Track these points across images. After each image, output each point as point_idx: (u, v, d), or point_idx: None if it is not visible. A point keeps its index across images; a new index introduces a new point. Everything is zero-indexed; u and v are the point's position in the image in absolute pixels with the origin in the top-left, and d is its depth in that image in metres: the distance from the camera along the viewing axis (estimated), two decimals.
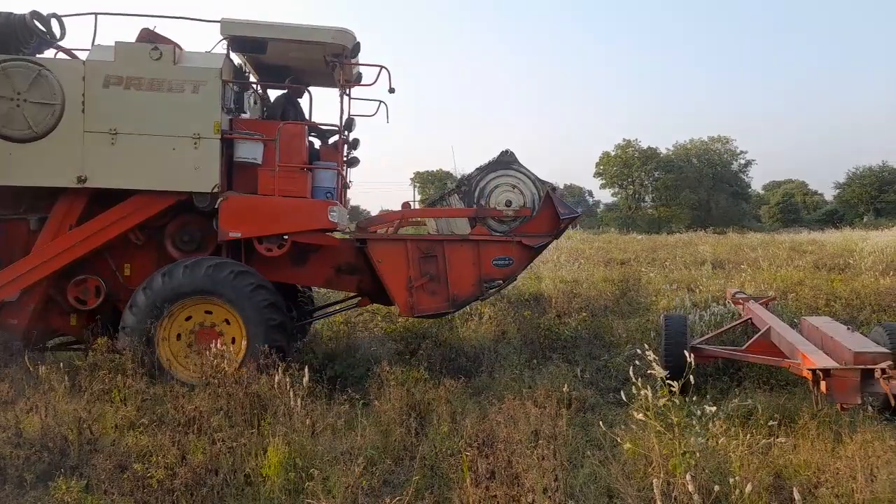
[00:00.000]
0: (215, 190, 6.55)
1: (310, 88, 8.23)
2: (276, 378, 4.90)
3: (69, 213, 6.48)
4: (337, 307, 9.03)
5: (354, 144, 7.86)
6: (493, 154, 7.13)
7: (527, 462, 3.72)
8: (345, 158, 7.65)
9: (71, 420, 4.63)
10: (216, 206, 6.57)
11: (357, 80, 7.35)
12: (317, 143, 7.90)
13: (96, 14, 6.64)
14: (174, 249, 6.89)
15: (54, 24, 6.77)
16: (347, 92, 7.18)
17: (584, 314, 9.42)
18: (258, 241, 6.67)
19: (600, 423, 4.59)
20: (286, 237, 6.74)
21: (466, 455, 4.00)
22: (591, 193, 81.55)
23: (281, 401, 4.77)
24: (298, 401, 4.67)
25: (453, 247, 6.77)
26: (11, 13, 6.50)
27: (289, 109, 7.62)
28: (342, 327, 9.52)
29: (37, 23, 6.62)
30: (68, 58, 6.66)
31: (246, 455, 4.23)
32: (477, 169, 7.11)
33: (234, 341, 6.45)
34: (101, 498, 3.55)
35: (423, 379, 6.27)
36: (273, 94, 8.10)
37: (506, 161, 6.93)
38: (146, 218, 6.59)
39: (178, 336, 6.43)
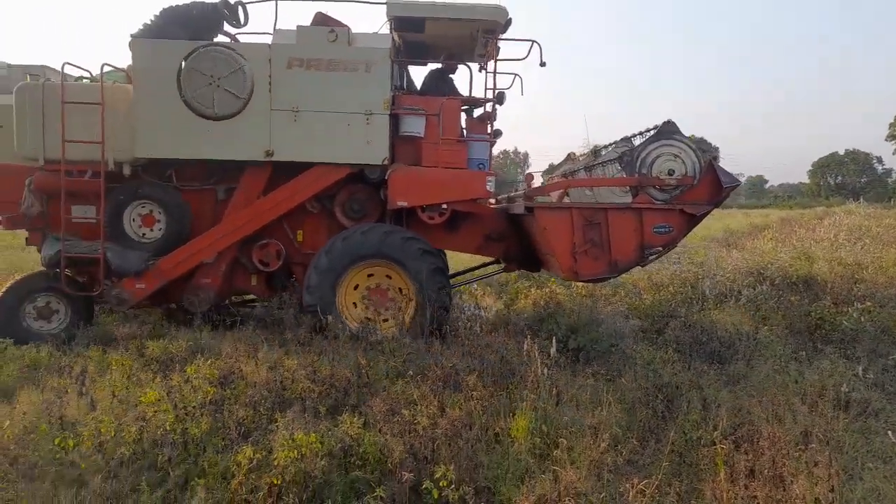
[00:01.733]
0: (384, 162, 7.07)
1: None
2: (526, 345, 5.08)
3: (256, 184, 7.34)
4: (475, 273, 9.56)
5: (494, 116, 7.87)
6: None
7: (794, 465, 3.39)
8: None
9: (352, 365, 5.37)
10: (385, 177, 7.06)
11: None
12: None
13: (276, 0, 7.29)
14: (343, 217, 7.57)
15: (240, 11, 7.57)
16: (494, 66, 7.34)
17: (869, 303, 8.11)
18: (421, 209, 7.16)
19: (889, 432, 3.98)
20: (445, 206, 7.18)
21: (721, 447, 3.77)
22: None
23: (529, 368, 4.95)
24: (545, 370, 4.80)
25: (616, 214, 6.92)
26: (204, 2, 7.33)
27: (441, 85, 7.94)
28: (585, 300, 9.51)
29: (225, 10, 7.46)
30: (257, 42, 7.31)
31: (496, 415, 4.50)
32: (641, 140, 7.19)
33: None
34: (376, 435, 4.08)
35: (671, 360, 6.02)
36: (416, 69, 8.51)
37: (668, 131, 6.99)
38: (323, 188, 7.29)
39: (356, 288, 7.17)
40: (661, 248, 7.02)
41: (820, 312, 7.68)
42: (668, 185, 6.93)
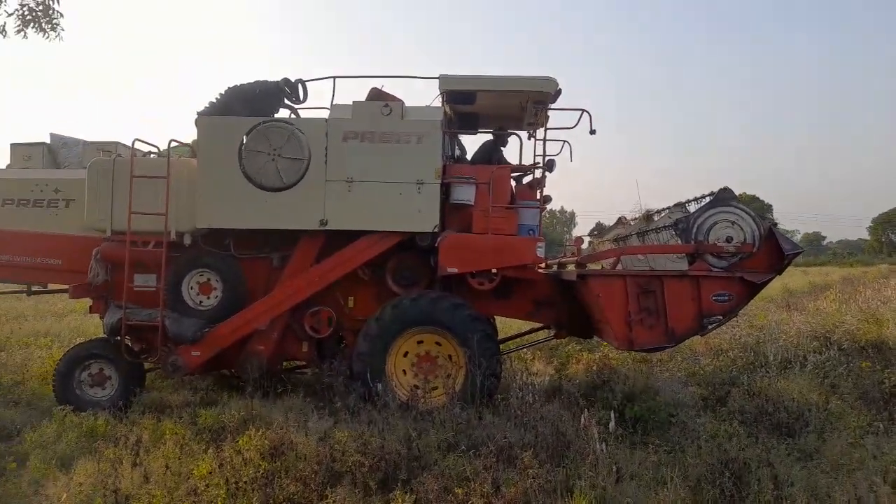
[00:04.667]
0: (435, 229, 7.14)
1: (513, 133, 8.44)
2: (583, 419, 4.91)
3: (310, 252, 7.46)
4: (525, 339, 9.38)
5: (544, 183, 7.89)
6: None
7: None
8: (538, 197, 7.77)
9: (402, 437, 5.27)
10: (435, 245, 7.12)
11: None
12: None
13: (335, 78, 7.58)
14: (394, 284, 7.58)
15: (300, 88, 7.85)
16: (544, 135, 7.47)
17: None
18: (471, 275, 7.17)
19: None
20: (495, 272, 7.17)
21: None
22: None
23: (586, 442, 4.76)
24: (604, 445, 4.61)
25: (672, 282, 6.80)
26: (267, 81, 7.65)
27: (494, 154, 8.05)
28: (640, 365, 9.21)
29: (286, 88, 7.75)
30: (315, 118, 7.54)
31: (552, 493, 4.31)
32: (696, 208, 7.11)
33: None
34: None
35: (736, 433, 5.72)
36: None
37: (725, 198, 6.90)
38: (374, 255, 7.34)
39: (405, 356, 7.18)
40: (721, 317, 6.82)
41: (895, 380, 7.22)
42: (726, 252, 6.78)
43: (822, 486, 4.57)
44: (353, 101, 7.38)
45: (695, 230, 6.83)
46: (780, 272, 6.99)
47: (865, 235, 75.40)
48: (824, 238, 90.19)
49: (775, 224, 6.97)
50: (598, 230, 11.55)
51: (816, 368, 8.20)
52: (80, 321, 13.35)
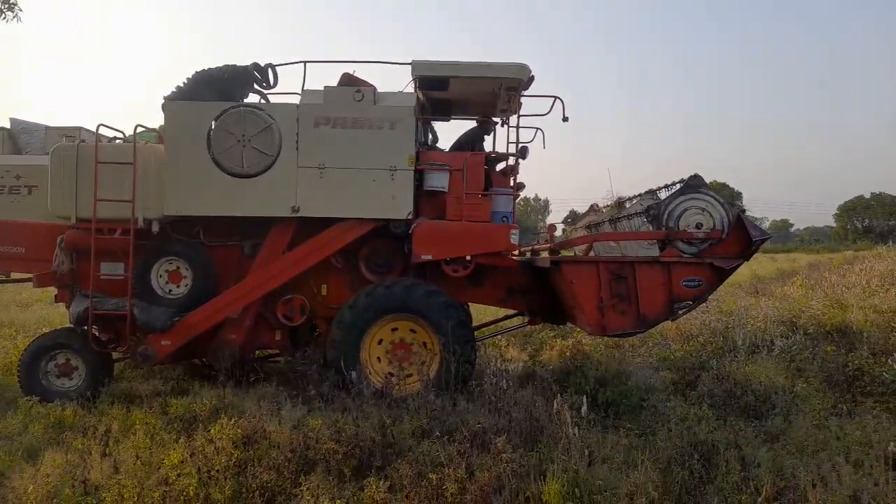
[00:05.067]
0: (409, 217, 7.14)
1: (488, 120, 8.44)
2: (556, 404, 4.95)
3: (281, 240, 7.40)
4: (499, 326, 9.46)
5: (517, 169, 7.93)
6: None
7: None
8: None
9: (376, 423, 5.27)
10: (409, 232, 7.12)
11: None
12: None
13: (305, 62, 7.52)
14: (367, 272, 7.59)
15: (270, 73, 7.74)
16: (517, 122, 7.41)
17: None
18: (445, 262, 7.21)
19: None
20: (470, 259, 7.23)
21: None
22: None
23: (559, 426, 4.81)
24: (576, 429, 4.66)
25: (644, 268, 6.86)
26: (236, 65, 7.53)
27: (478, 143, 8.10)
28: (612, 351, 9.32)
29: (256, 73, 7.66)
30: (285, 103, 7.45)
31: (526, 477, 4.34)
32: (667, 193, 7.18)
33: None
34: (402, 501, 3.96)
35: (706, 416, 5.82)
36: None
37: (695, 185, 6.95)
38: (347, 243, 7.32)
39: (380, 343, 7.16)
40: (690, 302, 6.93)
41: (858, 363, 7.43)
42: (696, 238, 6.87)
43: (787, 466, 4.68)
44: (325, 87, 7.29)
45: (665, 217, 6.90)
46: (748, 258, 7.11)
47: (832, 223, 77.14)
48: (792, 225, 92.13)
49: (743, 211, 7.08)
50: (572, 217, 11.62)
51: (783, 353, 8.39)
52: (46, 311, 13.06)
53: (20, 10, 7.32)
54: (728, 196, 7.96)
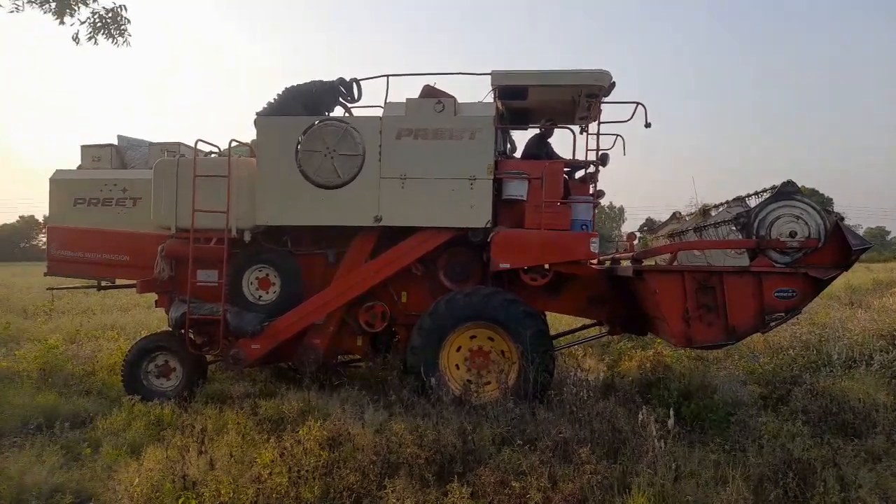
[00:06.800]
0: (487, 225, 7.15)
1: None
2: (641, 415, 4.86)
3: (364, 248, 7.57)
4: (577, 335, 9.31)
5: (597, 177, 7.74)
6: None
7: None
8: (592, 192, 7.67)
9: (457, 429, 5.32)
10: (488, 240, 7.12)
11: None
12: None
13: (388, 76, 7.63)
14: (446, 280, 7.64)
15: (354, 87, 7.93)
16: (597, 129, 7.33)
17: None
18: (524, 271, 7.17)
19: None
20: (548, 268, 7.18)
21: None
22: None
23: (643, 439, 4.71)
24: (662, 442, 4.55)
25: (732, 278, 6.63)
26: (322, 81, 7.75)
27: (541, 148, 7.95)
28: (696, 364, 9.02)
29: (342, 87, 7.84)
30: (369, 115, 7.61)
31: (609, 490, 4.28)
32: (758, 201, 6.90)
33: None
34: None
35: (800, 433, 5.56)
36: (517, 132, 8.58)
37: (788, 192, 6.70)
38: (427, 251, 7.39)
39: (458, 350, 7.18)
40: (783, 314, 6.64)
41: None
42: (789, 247, 6.60)
43: (893, 488, 4.41)
44: (407, 99, 7.46)
45: (756, 225, 6.65)
46: (846, 268, 6.72)
47: None
48: (888, 233, 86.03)
49: (842, 218, 6.71)
50: (649, 226, 11.34)
51: (883, 368, 7.90)
52: (144, 315, 13.92)
53: (130, 35, 7.83)
54: (818, 202, 7.50)
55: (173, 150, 8.24)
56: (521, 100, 7.78)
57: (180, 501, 4.16)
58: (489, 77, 7.32)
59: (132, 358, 7.64)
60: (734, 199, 7.41)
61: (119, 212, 8.06)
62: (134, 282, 8.18)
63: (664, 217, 10.24)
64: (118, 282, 8.94)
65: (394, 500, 3.95)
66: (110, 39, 7.79)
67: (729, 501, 4.01)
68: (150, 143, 8.71)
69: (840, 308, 13.27)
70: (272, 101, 7.63)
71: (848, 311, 12.40)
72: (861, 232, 73.26)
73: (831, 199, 63.46)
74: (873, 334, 9.53)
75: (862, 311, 12.34)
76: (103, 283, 8.75)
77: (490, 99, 7.54)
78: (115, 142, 8.75)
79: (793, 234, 6.59)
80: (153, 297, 8.41)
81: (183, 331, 7.48)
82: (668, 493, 4.24)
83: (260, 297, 7.74)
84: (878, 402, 6.60)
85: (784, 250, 6.63)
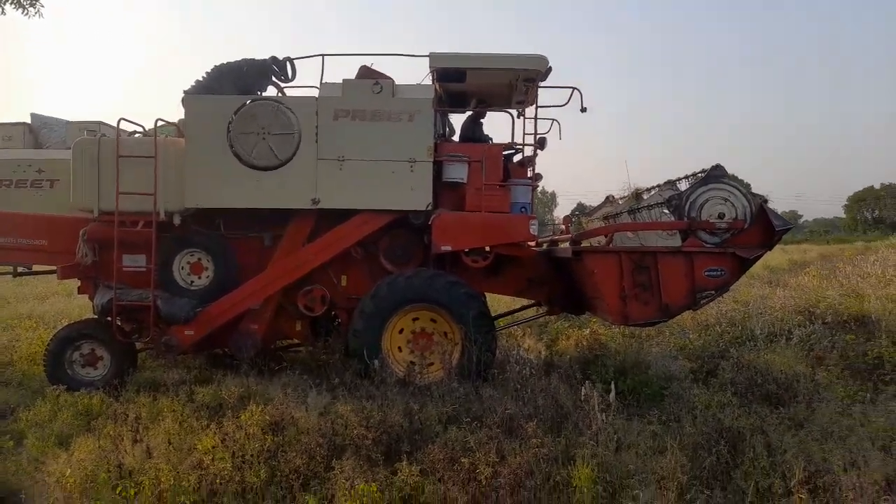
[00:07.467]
0: (428, 208, 7.15)
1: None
2: (583, 390, 4.98)
3: (301, 231, 7.46)
4: (516, 316, 9.52)
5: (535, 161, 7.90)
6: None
7: None
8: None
9: (402, 410, 5.31)
10: (428, 223, 7.14)
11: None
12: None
13: (323, 56, 7.47)
14: (387, 262, 7.63)
15: (288, 66, 7.75)
16: (535, 113, 7.46)
17: None
18: (464, 253, 7.23)
19: None
20: (489, 250, 7.26)
21: (800, 497, 3.61)
22: None
23: (586, 413, 4.84)
24: (604, 416, 4.68)
25: (666, 258, 6.87)
26: (253, 59, 7.55)
27: (476, 131, 8.04)
28: (630, 341, 9.33)
29: (275, 66, 7.66)
30: (305, 96, 7.42)
31: (555, 462, 4.38)
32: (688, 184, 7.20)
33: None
34: (435, 483, 4.00)
35: (730, 403, 5.84)
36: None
37: (717, 175, 6.96)
38: (367, 234, 7.36)
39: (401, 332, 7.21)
40: (713, 292, 6.94)
41: (878, 352, 7.43)
42: (718, 228, 6.87)
43: (815, 452, 4.69)
44: (343, 80, 7.30)
45: (687, 207, 6.90)
46: (770, 248, 7.11)
47: (840, 213, 76.63)
48: (801, 216, 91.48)
49: (766, 201, 7.04)
50: (580, 210, 11.62)
51: (802, 341, 8.39)
52: (64, 303, 13.17)
53: (42, 6, 7.32)
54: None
55: (93, 130, 7.78)
56: (460, 82, 7.75)
57: (118, 490, 3.98)
58: (427, 59, 7.25)
59: (54, 347, 7.24)
60: (665, 183, 7.67)
61: (35, 194, 7.56)
62: (53, 268, 7.73)
63: (595, 202, 10.52)
64: (35, 268, 8.44)
65: (343, 481, 3.90)
66: (20, 9, 7.27)
67: (667, 469, 4.17)
68: (68, 122, 8.20)
69: (761, 286, 14.01)
70: (200, 78, 7.31)
71: (768, 290, 13.14)
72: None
73: (749, 184, 67.07)
74: (792, 310, 10.12)
75: (781, 290, 13.09)
76: (20, 270, 8.23)
77: (428, 81, 7.49)
78: (29, 120, 8.20)
79: (721, 216, 6.87)
80: (73, 285, 7.98)
81: (110, 318, 7.13)
82: (610, 463, 4.37)
83: (192, 282, 7.46)
84: (799, 372, 7.00)
85: (713, 231, 6.90)
